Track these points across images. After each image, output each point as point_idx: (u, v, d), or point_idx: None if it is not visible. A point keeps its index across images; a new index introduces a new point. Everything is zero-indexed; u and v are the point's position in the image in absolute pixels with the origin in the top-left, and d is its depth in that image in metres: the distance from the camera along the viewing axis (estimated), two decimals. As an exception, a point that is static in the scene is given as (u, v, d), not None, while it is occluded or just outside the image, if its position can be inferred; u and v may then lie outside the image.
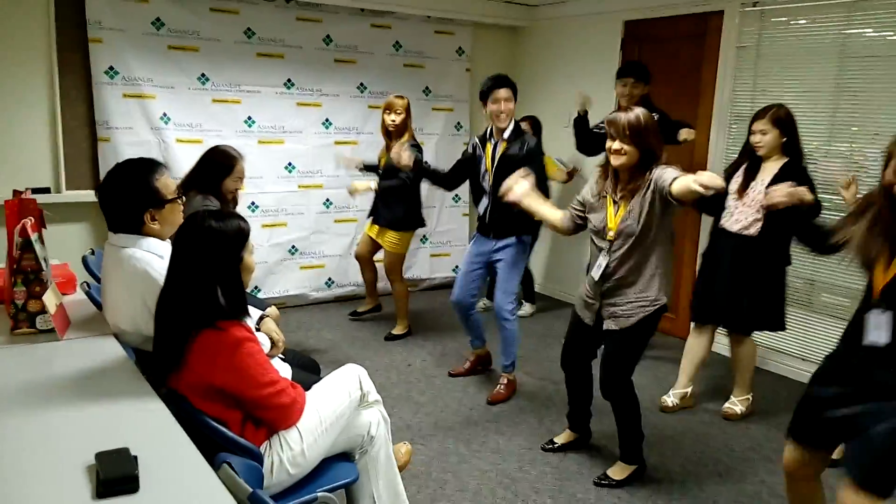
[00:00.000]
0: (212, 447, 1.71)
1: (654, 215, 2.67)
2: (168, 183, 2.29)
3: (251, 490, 1.38)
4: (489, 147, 3.76)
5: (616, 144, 2.68)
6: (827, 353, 2.21)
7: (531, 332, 5.00)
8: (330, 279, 5.52)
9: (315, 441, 2.08)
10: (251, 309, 2.59)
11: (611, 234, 2.77)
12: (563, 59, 5.72)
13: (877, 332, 1.99)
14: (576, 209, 2.98)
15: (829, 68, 3.99)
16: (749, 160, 3.47)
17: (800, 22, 4.14)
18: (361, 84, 5.39)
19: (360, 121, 5.41)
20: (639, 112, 2.69)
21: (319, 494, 2.03)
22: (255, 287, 5.11)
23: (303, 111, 5.19)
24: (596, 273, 2.83)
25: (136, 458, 1.39)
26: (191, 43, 4.68)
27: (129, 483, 1.31)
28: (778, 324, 3.53)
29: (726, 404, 3.74)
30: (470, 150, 3.90)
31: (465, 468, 3.09)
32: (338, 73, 5.27)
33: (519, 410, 3.71)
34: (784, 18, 4.22)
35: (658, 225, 2.70)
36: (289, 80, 5.09)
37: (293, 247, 5.31)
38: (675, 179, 2.52)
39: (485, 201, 3.81)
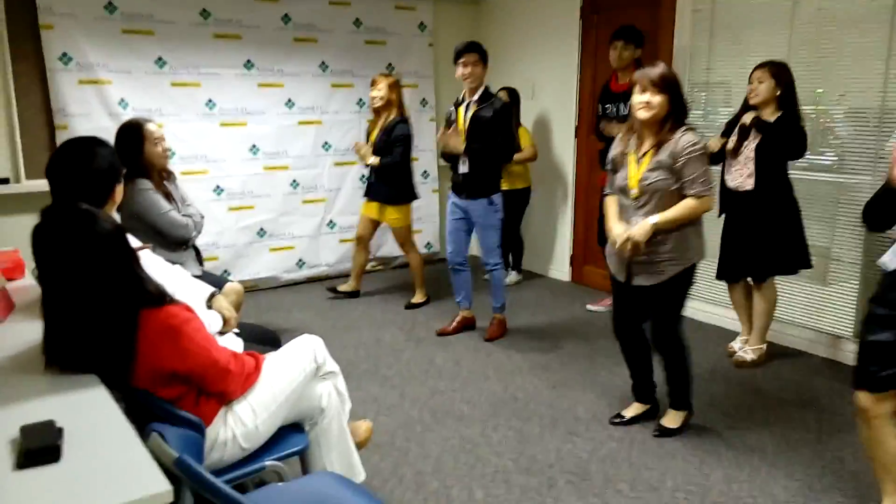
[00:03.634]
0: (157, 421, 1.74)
1: (676, 173, 2.72)
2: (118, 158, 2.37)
3: (177, 455, 1.40)
4: (461, 110, 4.01)
5: (645, 97, 2.70)
6: (869, 298, 2.29)
7: (509, 301, 5.04)
8: (301, 260, 5.53)
9: (269, 416, 2.10)
10: (201, 285, 2.62)
11: (634, 192, 2.81)
12: (525, 31, 5.71)
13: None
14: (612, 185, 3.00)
15: (782, 30, 4.01)
16: (742, 115, 3.60)
17: (752, -17, 4.15)
18: (323, 63, 5.37)
19: (324, 100, 5.39)
20: (664, 65, 2.74)
21: (268, 463, 2.06)
22: (225, 270, 5.12)
23: (264, 92, 5.16)
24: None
25: (61, 430, 1.41)
26: (145, 26, 4.64)
27: (51, 453, 1.33)
28: (800, 264, 3.66)
29: (738, 352, 3.90)
30: (448, 116, 4.12)
31: (429, 436, 3.14)
32: (298, 53, 5.24)
33: (485, 379, 3.76)
34: (736, -20, 4.23)
35: (675, 190, 2.75)
36: (248, 61, 5.06)
37: (261, 229, 5.31)
38: (693, 195, 2.71)
39: (464, 162, 4.03)
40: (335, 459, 2.30)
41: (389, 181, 4.68)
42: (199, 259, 3.46)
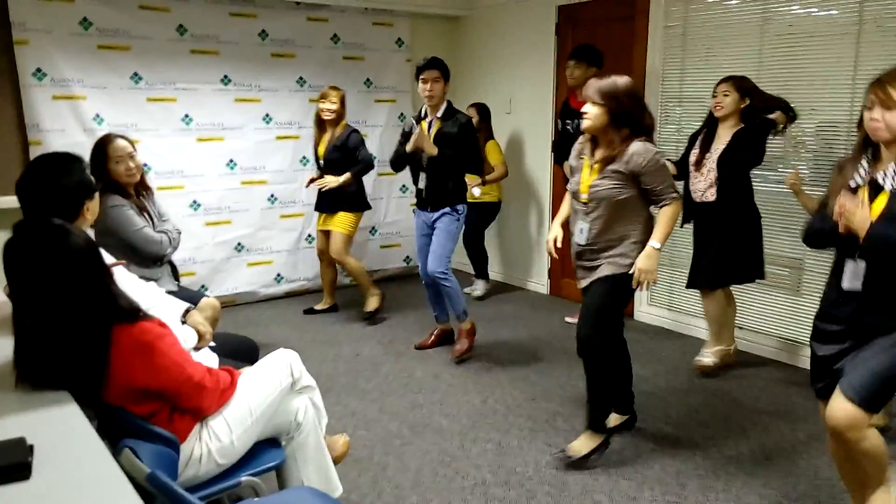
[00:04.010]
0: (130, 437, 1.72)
1: (628, 186, 2.76)
2: (90, 174, 2.38)
3: (149, 471, 1.39)
4: (424, 125, 4.01)
5: (586, 107, 2.77)
6: (815, 313, 2.35)
7: (481, 315, 5.05)
8: (279, 275, 5.51)
9: (244, 431, 2.09)
10: (176, 302, 2.60)
11: (583, 197, 2.85)
12: (502, 46, 5.77)
13: (854, 280, 2.16)
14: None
15: (752, 46, 4.09)
16: (707, 129, 3.69)
17: (721, 1, 4.23)
18: (301, 78, 5.38)
19: (302, 115, 5.40)
20: (617, 78, 2.77)
21: (244, 479, 2.05)
22: (203, 286, 5.09)
23: (242, 107, 5.16)
24: (579, 238, 2.89)
25: (31, 447, 1.40)
26: (121, 42, 4.62)
27: (21, 471, 1.32)
28: (754, 274, 3.74)
29: (697, 356, 3.92)
30: (407, 129, 4.11)
31: (408, 450, 3.13)
32: (276, 68, 5.25)
33: (464, 392, 3.76)
34: (706, -2, 4.32)
35: (636, 194, 2.78)
36: (226, 77, 5.06)
37: (239, 244, 5.28)
38: (668, 204, 2.77)
39: (422, 177, 4.05)
40: (312, 474, 2.29)
41: (339, 191, 4.68)
42: (176, 275, 3.44)
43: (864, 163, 2.18)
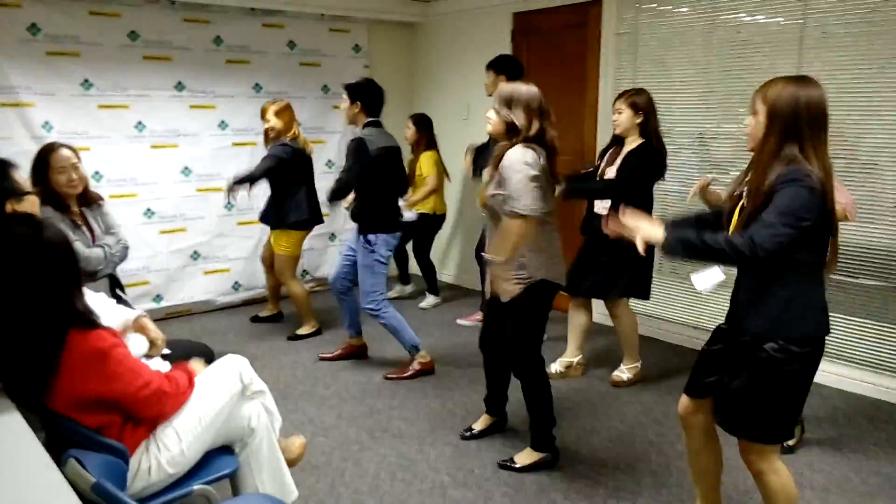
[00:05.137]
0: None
1: (504, 197, 2.71)
2: (23, 177, 2.33)
3: (95, 480, 1.38)
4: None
5: (489, 113, 2.79)
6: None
7: (440, 320, 5.08)
8: (237, 283, 5.45)
9: (194, 440, 2.07)
10: (125, 310, 2.57)
11: (483, 204, 2.86)
12: (459, 53, 5.82)
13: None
14: None
15: (701, 52, 4.21)
16: (614, 143, 3.70)
17: (671, 9, 4.35)
18: (257, 84, 5.35)
19: (258, 121, 5.31)
20: (518, 85, 2.75)
21: (196, 487, 2.03)
22: (158, 295, 5.01)
23: (197, 114, 5.10)
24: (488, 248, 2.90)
25: (-29, 458, 1.37)
26: (71, 48, 4.53)
27: (-41, 481, 1.29)
28: (642, 293, 3.75)
29: (615, 372, 3.93)
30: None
31: (366, 455, 3.13)
32: (231, 74, 5.21)
33: (423, 396, 3.77)
34: (656, 5, 4.43)
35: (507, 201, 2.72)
36: (179, 83, 5.00)
37: (195, 252, 5.22)
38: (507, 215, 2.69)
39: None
40: (266, 479, 2.28)
41: (275, 205, 4.52)
42: (120, 288, 3.33)
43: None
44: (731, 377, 2.14)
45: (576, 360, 4.00)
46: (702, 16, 4.19)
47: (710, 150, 4.29)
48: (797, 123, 1.94)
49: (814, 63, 3.70)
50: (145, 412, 1.95)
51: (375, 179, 3.83)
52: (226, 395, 2.20)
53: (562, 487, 2.84)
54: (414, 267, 5.62)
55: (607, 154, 3.71)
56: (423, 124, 5.28)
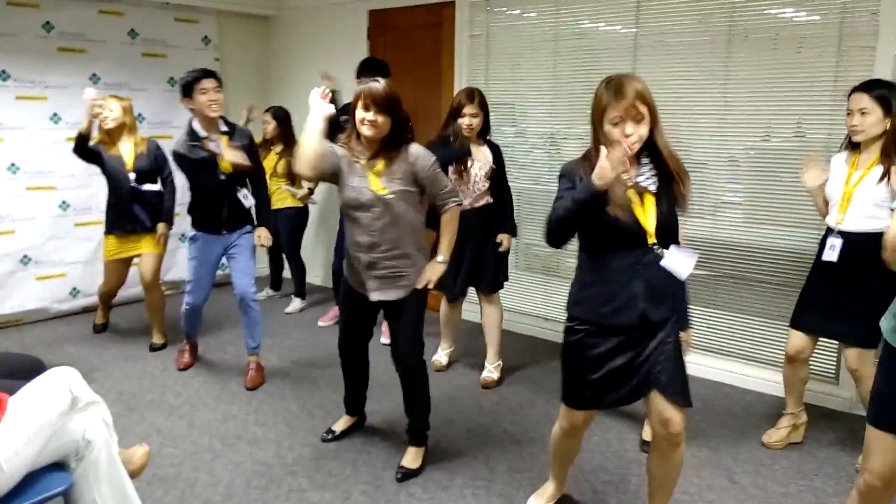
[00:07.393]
0: None
1: (410, 192, 2.76)
2: None
3: None
4: (210, 145, 3.66)
5: (370, 115, 2.66)
6: None
7: (300, 320, 4.99)
8: (74, 289, 5.04)
9: (15, 453, 1.90)
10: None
11: (386, 198, 2.73)
12: (314, 49, 5.72)
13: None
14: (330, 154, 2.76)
15: (548, 57, 4.40)
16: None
17: (520, 13, 4.52)
18: (94, 75, 4.98)
19: (96, 114, 4.98)
20: (387, 85, 2.73)
21: (23, 509, 1.86)
22: (-20, 305, 4.54)
23: (24, 105, 4.68)
24: (364, 251, 2.80)
25: None
26: None
27: None
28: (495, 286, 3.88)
29: (484, 373, 3.95)
30: (184, 150, 3.65)
31: (219, 463, 3.00)
32: (64, 63, 4.81)
33: (281, 398, 3.68)
34: (505, 9, 4.59)
35: (412, 201, 2.79)
36: (3, 72, 4.55)
37: (25, 256, 4.77)
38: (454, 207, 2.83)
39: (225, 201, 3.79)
40: (106, 493, 2.13)
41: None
42: None
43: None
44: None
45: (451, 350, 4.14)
46: (548, 21, 4.39)
47: (562, 151, 4.49)
48: None
49: (649, 68, 3.97)
50: None
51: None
52: (51, 410, 2.03)
53: (419, 481, 2.87)
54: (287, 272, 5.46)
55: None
56: (283, 117, 5.13)
